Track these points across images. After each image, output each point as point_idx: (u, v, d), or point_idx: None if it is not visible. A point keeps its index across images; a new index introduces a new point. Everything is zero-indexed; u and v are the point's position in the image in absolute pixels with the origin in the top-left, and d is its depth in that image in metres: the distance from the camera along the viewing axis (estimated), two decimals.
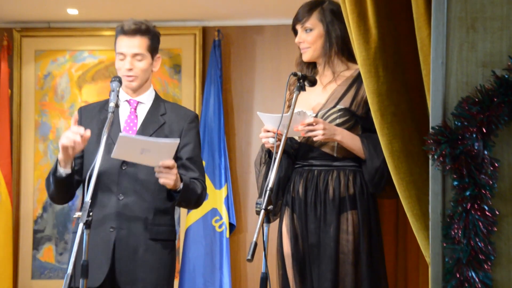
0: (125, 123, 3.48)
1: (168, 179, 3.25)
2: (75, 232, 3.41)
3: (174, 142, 3.24)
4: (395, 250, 3.66)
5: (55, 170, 3.34)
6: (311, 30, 3.48)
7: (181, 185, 3.32)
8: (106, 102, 3.44)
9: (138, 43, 3.45)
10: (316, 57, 3.51)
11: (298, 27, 3.50)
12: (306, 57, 3.52)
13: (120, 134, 3.21)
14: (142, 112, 3.52)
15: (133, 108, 3.50)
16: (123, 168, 3.39)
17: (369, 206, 3.39)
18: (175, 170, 3.25)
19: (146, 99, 3.54)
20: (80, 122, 3.49)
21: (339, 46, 3.46)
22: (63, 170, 3.32)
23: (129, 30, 3.45)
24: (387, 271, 3.46)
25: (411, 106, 2.81)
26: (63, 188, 3.39)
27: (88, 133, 3.27)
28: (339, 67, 3.50)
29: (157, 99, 3.58)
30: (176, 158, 3.35)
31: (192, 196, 3.42)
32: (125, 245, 3.35)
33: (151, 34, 3.50)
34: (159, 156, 3.23)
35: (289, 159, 3.52)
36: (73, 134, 3.24)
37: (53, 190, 3.41)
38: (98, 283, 3.31)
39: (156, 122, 3.49)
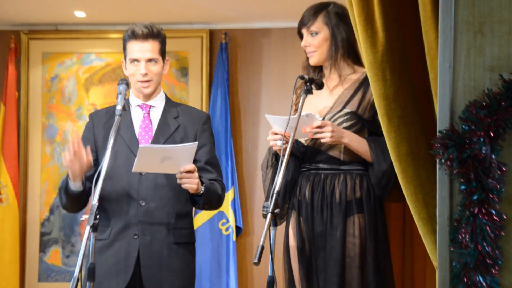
0: (140, 128, 3.47)
1: (191, 183, 3.25)
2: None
3: (193, 145, 3.24)
4: (402, 254, 3.65)
5: (66, 185, 3.35)
6: (316, 33, 3.48)
7: (202, 188, 3.33)
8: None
9: (151, 48, 3.44)
10: (322, 60, 3.50)
11: (304, 31, 3.50)
12: (313, 61, 3.51)
13: (140, 146, 3.20)
14: (156, 116, 3.51)
15: (147, 112, 3.50)
16: (142, 174, 3.39)
17: (375, 209, 3.38)
18: (196, 174, 3.26)
19: (158, 103, 3.53)
20: (92, 128, 3.51)
21: (345, 49, 3.46)
22: (74, 185, 3.34)
23: (141, 34, 3.43)
24: (394, 275, 3.45)
25: (418, 109, 2.81)
26: (76, 201, 3.42)
27: (88, 155, 3.26)
28: (346, 70, 3.49)
29: (168, 101, 3.57)
30: (194, 160, 3.35)
31: (213, 198, 3.42)
32: (150, 251, 3.36)
33: (161, 38, 3.49)
34: (180, 161, 3.23)
35: (296, 162, 3.52)
36: (69, 159, 3.25)
37: (66, 203, 3.43)
38: None
39: (171, 125, 3.48)
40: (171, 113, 3.52)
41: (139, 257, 3.35)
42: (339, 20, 3.46)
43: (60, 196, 3.45)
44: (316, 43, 3.48)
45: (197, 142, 3.28)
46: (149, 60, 3.44)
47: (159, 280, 3.36)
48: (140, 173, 3.39)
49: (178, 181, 3.26)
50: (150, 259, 3.36)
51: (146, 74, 3.43)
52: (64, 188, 3.37)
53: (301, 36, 3.55)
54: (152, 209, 3.38)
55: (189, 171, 3.23)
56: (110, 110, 3.53)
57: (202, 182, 3.34)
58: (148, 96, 3.51)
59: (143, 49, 3.43)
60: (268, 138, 3.39)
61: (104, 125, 3.49)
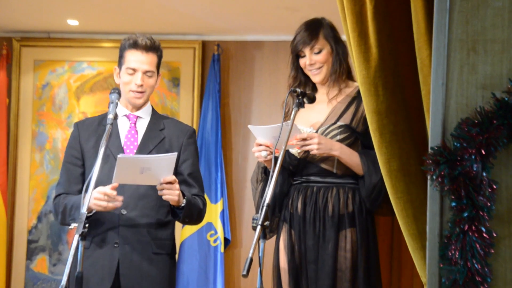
0: (126, 138, 3.48)
1: (172, 195, 3.26)
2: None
3: (172, 156, 3.25)
4: (389, 269, 3.65)
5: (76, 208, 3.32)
6: (320, 51, 3.49)
7: (184, 201, 3.33)
8: (104, 116, 3.44)
9: (150, 60, 3.45)
10: (328, 76, 3.50)
11: (307, 50, 3.49)
12: (319, 78, 3.51)
13: (119, 156, 3.20)
14: (142, 127, 3.52)
15: (133, 123, 3.50)
16: (125, 184, 3.39)
17: (367, 224, 3.39)
18: (177, 186, 3.27)
19: (145, 114, 3.54)
20: (78, 137, 3.50)
21: (346, 60, 3.47)
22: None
23: (143, 46, 3.44)
24: None
25: (410, 125, 2.81)
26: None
27: (119, 200, 3.25)
28: (342, 85, 3.51)
29: (155, 113, 3.59)
30: (176, 173, 3.36)
31: (194, 212, 3.43)
32: (130, 261, 3.37)
33: (160, 52, 3.52)
34: (160, 172, 3.23)
35: (285, 175, 3.52)
36: (103, 200, 3.23)
37: (67, 220, 3.39)
38: None
39: (156, 137, 3.49)
40: (157, 125, 3.53)
41: (118, 266, 3.35)
42: (335, 33, 3.49)
43: (61, 217, 3.42)
44: (321, 59, 3.48)
45: (176, 153, 3.28)
46: (146, 72, 3.44)
47: None
48: None
49: (159, 192, 3.26)
50: (129, 268, 3.36)
51: (141, 85, 3.44)
52: (70, 220, 3.33)
53: (296, 56, 3.54)
54: (133, 218, 3.38)
55: (169, 182, 3.24)
56: (97, 120, 3.53)
57: (184, 195, 3.34)
58: (137, 107, 3.51)
59: (143, 60, 3.44)
60: (253, 150, 3.40)
61: (92, 133, 3.48)
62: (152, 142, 3.47)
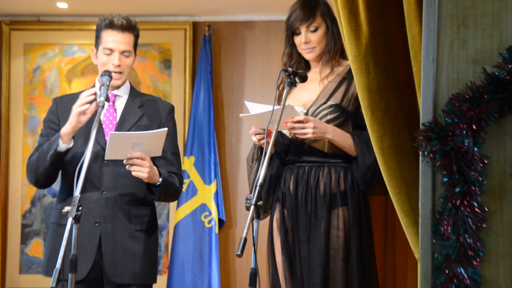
0: (104, 116, 3.48)
1: (141, 171, 3.26)
2: (54, 223, 3.44)
3: (162, 131, 3.27)
4: (383, 247, 3.67)
5: (54, 145, 3.33)
6: (316, 29, 3.47)
7: (160, 180, 3.34)
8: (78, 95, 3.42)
9: (127, 40, 3.45)
10: (320, 55, 3.49)
11: (303, 27, 3.47)
12: (311, 57, 3.50)
13: (110, 132, 3.22)
14: (120, 105, 3.52)
15: (111, 101, 3.49)
16: (105, 162, 3.40)
17: (359, 203, 3.39)
18: (147, 163, 3.26)
19: (123, 92, 3.54)
20: (56, 112, 3.51)
21: (341, 42, 3.47)
22: (64, 146, 3.33)
23: (119, 25, 3.44)
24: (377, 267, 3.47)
25: (401, 102, 2.82)
26: (56, 166, 3.40)
27: (94, 103, 3.29)
28: (335, 64, 3.50)
29: (133, 90, 3.59)
30: None
31: (170, 190, 3.44)
32: (112, 239, 3.38)
33: (137, 31, 3.52)
34: (150, 148, 3.26)
35: (281, 157, 3.52)
36: (86, 99, 3.27)
37: (44, 169, 3.39)
38: (82, 276, 3.33)
39: (135, 114, 3.50)
40: (135, 102, 3.53)
41: (100, 245, 3.37)
42: (331, 13, 3.48)
43: (37, 164, 3.40)
44: (316, 39, 3.47)
45: (166, 129, 3.30)
46: (123, 52, 3.44)
47: (120, 267, 3.38)
48: (103, 161, 3.39)
49: (127, 167, 3.26)
50: (111, 246, 3.38)
51: (119, 66, 3.44)
52: (54, 149, 3.33)
53: (291, 31, 3.52)
54: (114, 197, 3.40)
55: (137, 158, 3.24)
56: (74, 97, 3.50)
57: (160, 174, 3.35)
58: (115, 86, 3.51)
59: (120, 40, 3.44)
60: (250, 132, 3.40)
61: (69, 111, 3.46)
62: (131, 120, 3.48)
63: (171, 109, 3.59)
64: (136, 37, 3.51)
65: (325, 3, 3.52)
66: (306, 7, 3.48)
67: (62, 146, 3.32)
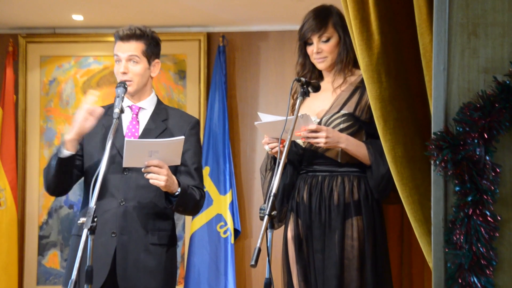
0: (127, 129, 3.49)
1: (159, 179, 3.25)
2: (75, 235, 3.44)
3: (179, 140, 3.27)
4: (399, 256, 3.66)
5: (57, 151, 3.37)
6: (328, 39, 3.48)
7: (178, 189, 3.33)
8: (110, 107, 3.45)
9: (133, 47, 3.48)
10: (332, 65, 3.50)
11: (315, 37, 3.48)
12: (323, 66, 3.51)
13: (126, 139, 3.24)
14: (144, 118, 3.53)
15: (135, 114, 3.51)
16: (125, 173, 3.40)
17: (373, 212, 3.38)
18: (165, 171, 3.25)
19: (148, 105, 3.55)
20: None
21: (353, 52, 3.47)
22: (68, 153, 3.35)
23: (123, 35, 3.49)
24: (392, 277, 3.46)
25: (413, 111, 2.82)
26: (62, 173, 3.41)
27: (99, 109, 3.34)
28: (347, 73, 3.51)
29: (159, 104, 3.59)
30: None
31: (190, 202, 3.41)
32: (126, 251, 3.37)
33: (147, 39, 3.51)
34: (168, 156, 3.25)
35: (294, 166, 3.52)
36: (87, 108, 3.31)
37: (52, 176, 3.41)
38: (97, 287, 3.31)
39: (158, 128, 3.50)
40: (160, 115, 3.54)
41: (115, 256, 3.36)
42: (344, 23, 3.48)
43: (46, 172, 3.45)
44: (328, 49, 3.48)
45: (183, 137, 3.30)
46: (129, 59, 3.47)
47: (134, 281, 3.37)
48: (123, 173, 3.40)
49: (145, 175, 3.26)
50: (126, 258, 3.37)
51: (125, 73, 3.46)
52: (55, 154, 3.37)
53: (305, 43, 3.54)
54: (132, 209, 3.39)
55: (156, 166, 3.23)
56: (104, 109, 3.54)
57: (179, 184, 3.34)
58: (138, 98, 3.52)
59: (124, 48, 3.48)
60: (263, 141, 3.41)
61: (97, 124, 3.47)
62: (153, 133, 3.47)
63: (196, 123, 3.59)
64: (148, 44, 3.51)
65: (338, 13, 3.51)
66: (319, 17, 3.48)
67: (65, 152, 3.34)
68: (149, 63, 3.52)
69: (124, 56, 3.48)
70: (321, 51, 3.48)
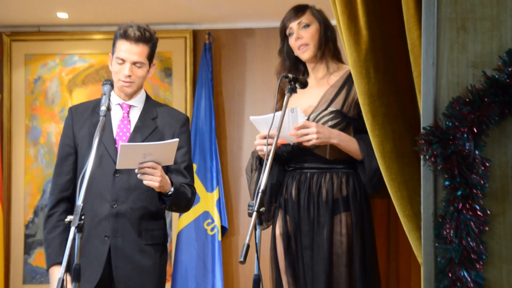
0: (119, 128, 3.47)
1: (152, 180, 3.24)
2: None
3: (173, 142, 3.25)
4: (387, 251, 3.66)
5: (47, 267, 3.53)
6: (308, 25, 3.49)
7: (171, 189, 3.32)
8: (98, 103, 3.41)
9: (139, 51, 3.42)
10: (315, 54, 3.50)
11: (294, 24, 3.49)
12: (306, 56, 3.50)
13: (121, 143, 3.22)
14: (134, 116, 3.51)
15: (126, 112, 3.49)
16: (116, 175, 3.39)
17: (362, 208, 3.39)
18: (158, 172, 3.24)
19: (138, 102, 3.53)
20: (71, 124, 3.50)
21: (334, 41, 3.47)
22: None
23: (132, 37, 3.41)
24: (380, 272, 3.47)
25: (402, 107, 2.82)
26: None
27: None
28: (332, 66, 3.51)
29: (148, 101, 3.57)
30: None
31: (182, 201, 3.41)
32: (121, 253, 3.37)
33: (152, 42, 3.48)
34: (161, 158, 3.25)
35: (280, 165, 3.52)
36: None
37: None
38: None
39: (148, 126, 3.48)
40: (150, 113, 3.52)
41: (110, 258, 3.36)
42: (323, 16, 3.50)
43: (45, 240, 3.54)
44: (308, 35, 3.48)
45: (177, 139, 3.28)
46: (135, 63, 3.43)
47: (130, 282, 3.37)
48: (114, 174, 3.39)
49: (138, 176, 3.24)
50: (121, 260, 3.36)
51: (129, 76, 3.43)
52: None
53: (283, 37, 3.55)
54: (124, 211, 3.38)
55: (149, 167, 3.22)
56: (91, 105, 3.51)
57: (172, 183, 3.33)
58: (129, 96, 3.50)
59: (132, 51, 3.41)
60: (255, 142, 3.39)
61: (85, 121, 3.47)
62: (144, 132, 3.46)
63: (185, 120, 3.57)
64: (152, 48, 3.48)
65: (317, 9, 3.56)
66: (296, 7, 3.54)
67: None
68: (149, 65, 3.50)
69: (132, 59, 3.42)
70: (301, 37, 3.48)
